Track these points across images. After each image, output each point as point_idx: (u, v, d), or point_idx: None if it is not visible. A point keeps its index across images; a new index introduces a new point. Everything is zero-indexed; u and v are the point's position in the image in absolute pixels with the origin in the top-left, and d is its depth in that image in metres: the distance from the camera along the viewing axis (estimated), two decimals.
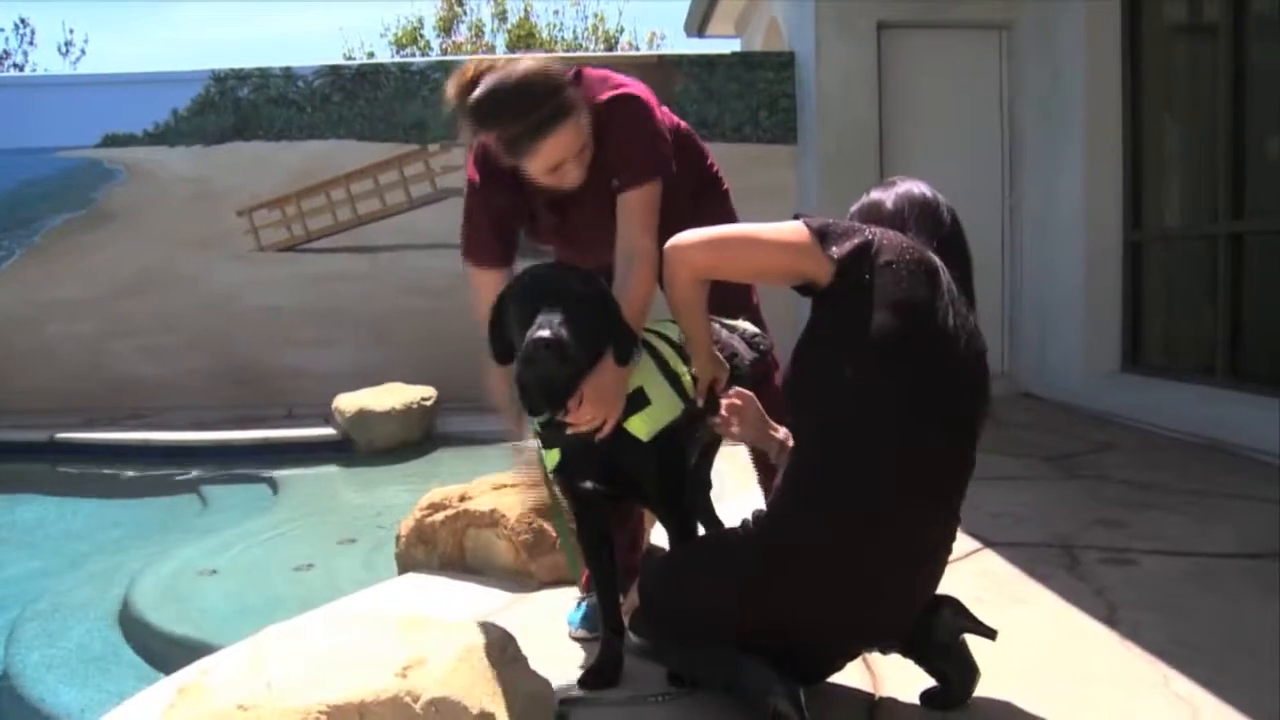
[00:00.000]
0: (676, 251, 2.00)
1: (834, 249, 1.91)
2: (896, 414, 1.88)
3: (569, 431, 2.06)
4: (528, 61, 2.21)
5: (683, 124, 2.61)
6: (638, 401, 2.06)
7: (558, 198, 2.39)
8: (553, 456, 2.16)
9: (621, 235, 2.31)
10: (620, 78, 2.40)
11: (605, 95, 2.32)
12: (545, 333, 1.87)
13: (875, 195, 2.13)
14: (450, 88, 2.22)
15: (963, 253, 2.07)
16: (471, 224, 2.48)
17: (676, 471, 2.17)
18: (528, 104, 2.15)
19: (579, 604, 2.62)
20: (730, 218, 2.60)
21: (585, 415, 2.05)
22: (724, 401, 2.16)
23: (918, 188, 2.12)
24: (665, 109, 2.53)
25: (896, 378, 1.89)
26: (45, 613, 3.54)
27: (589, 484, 2.18)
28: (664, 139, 2.39)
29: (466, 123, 2.22)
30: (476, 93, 2.17)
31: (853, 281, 1.90)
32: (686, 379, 2.17)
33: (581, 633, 2.51)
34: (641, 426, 2.07)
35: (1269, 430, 4.40)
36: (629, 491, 2.24)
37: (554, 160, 2.23)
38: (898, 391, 1.89)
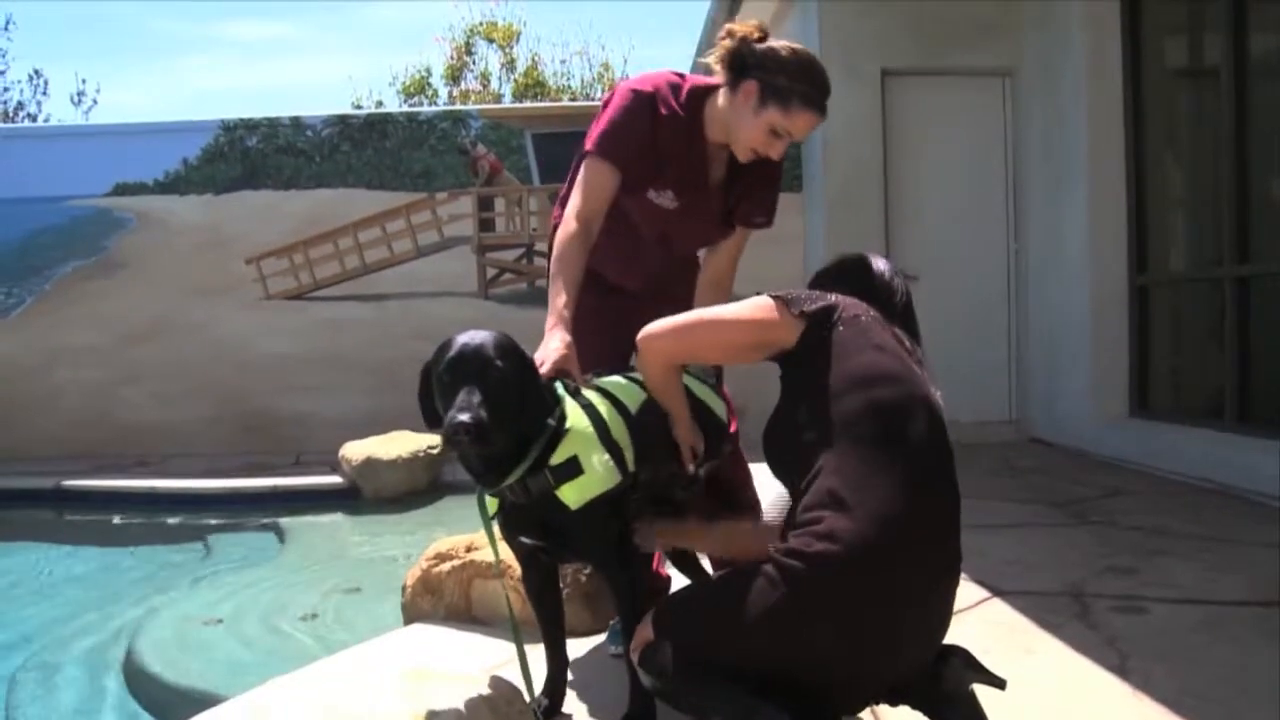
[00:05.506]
0: (646, 342, 2.14)
1: (802, 309, 2.03)
2: (888, 453, 1.89)
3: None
4: None
5: None
6: (570, 470, 2.08)
7: (687, 186, 2.53)
8: (493, 503, 2.20)
9: (719, 261, 2.63)
10: None
11: None
12: (465, 416, 1.88)
13: (830, 268, 2.24)
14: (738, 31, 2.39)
15: (914, 327, 2.15)
16: (614, 125, 2.48)
17: (613, 537, 2.18)
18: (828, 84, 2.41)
19: (612, 627, 2.74)
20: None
21: None
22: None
23: (878, 264, 2.21)
24: None
25: (880, 416, 1.91)
26: (49, 662, 3.53)
27: (526, 539, 2.23)
28: None
29: (785, 70, 2.34)
30: (805, 53, 2.36)
31: (824, 334, 2.00)
32: (629, 453, 2.15)
33: (619, 650, 2.53)
34: (570, 494, 2.07)
35: (1278, 474, 4.37)
36: (565, 551, 2.28)
37: (800, 131, 2.40)
38: (884, 430, 1.90)
